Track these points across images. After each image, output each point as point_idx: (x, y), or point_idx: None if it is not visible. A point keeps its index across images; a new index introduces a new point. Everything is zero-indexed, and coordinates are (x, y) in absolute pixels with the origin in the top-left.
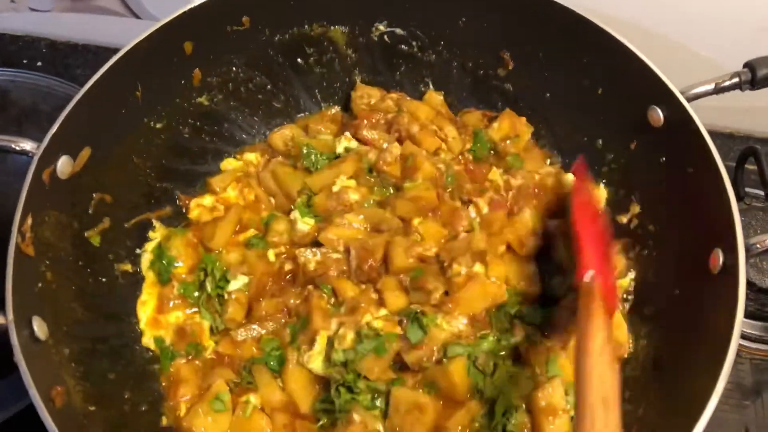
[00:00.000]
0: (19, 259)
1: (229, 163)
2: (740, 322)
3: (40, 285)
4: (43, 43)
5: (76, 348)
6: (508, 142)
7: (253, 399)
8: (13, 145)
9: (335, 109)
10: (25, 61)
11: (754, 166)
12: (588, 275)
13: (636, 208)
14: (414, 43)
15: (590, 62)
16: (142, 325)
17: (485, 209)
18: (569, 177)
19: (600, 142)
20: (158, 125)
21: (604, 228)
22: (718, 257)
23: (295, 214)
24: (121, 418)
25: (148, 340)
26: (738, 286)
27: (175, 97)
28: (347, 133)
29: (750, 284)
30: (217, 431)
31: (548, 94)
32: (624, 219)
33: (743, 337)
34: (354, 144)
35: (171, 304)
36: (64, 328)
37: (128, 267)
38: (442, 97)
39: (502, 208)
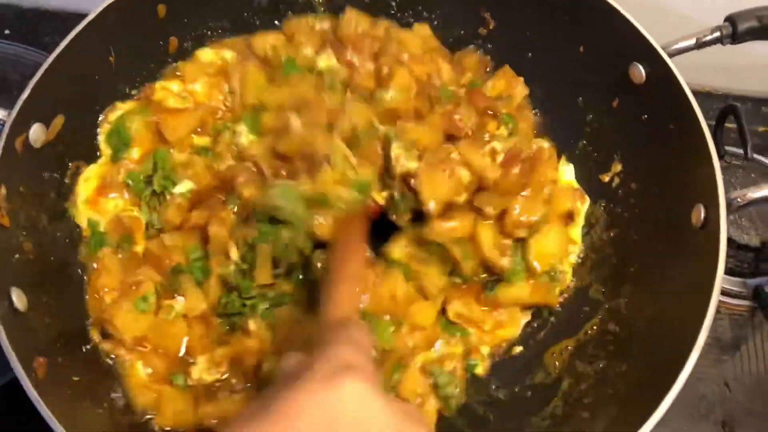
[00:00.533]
0: None
1: (204, 54)
2: (722, 273)
3: (17, 256)
4: (11, 11)
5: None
6: (499, 102)
7: (177, 305)
8: None
9: (325, 25)
10: None
11: (733, 124)
12: None
13: (618, 167)
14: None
15: (572, 20)
16: (80, 201)
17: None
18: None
19: (581, 100)
20: (133, 92)
21: None
22: (700, 212)
23: (241, 127)
24: None
25: (81, 220)
26: (719, 239)
27: (150, 62)
28: (330, 50)
29: (730, 241)
30: (137, 329)
31: (530, 54)
32: (606, 178)
33: (722, 293)
34: (335, 63)
35: (112, 190)
36: (44, 299)
37: None
38: (430, 31)
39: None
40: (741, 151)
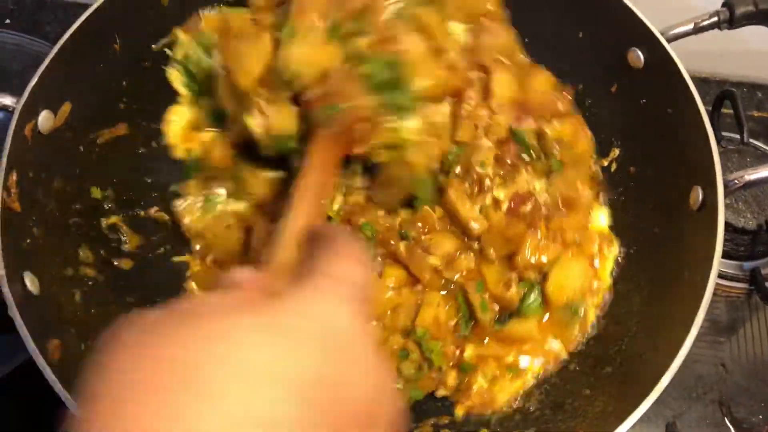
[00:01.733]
0: (6, 216)
1: None
2: (720, 254)
3: (28, 241)
4: (11, 0)
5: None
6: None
7: None
8: None
9: None
10: None
11: (730, 110)
12: None
13: (616, 152)
14: None
15: (570, 5)
16: (172, 138)
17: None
18: None
19: (581, 87)
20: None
21: None
22: (698, 194)
23: None
24: None
25: (179, 152)
26: (717, 220)
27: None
28: None
29: (726, 224)
30: None
31: (527, 39)
32: (605, 162)
33: (719, 276)
34: None
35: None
36: (57, 281)
37: (115, 220)
38: None
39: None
40: (737, 136)
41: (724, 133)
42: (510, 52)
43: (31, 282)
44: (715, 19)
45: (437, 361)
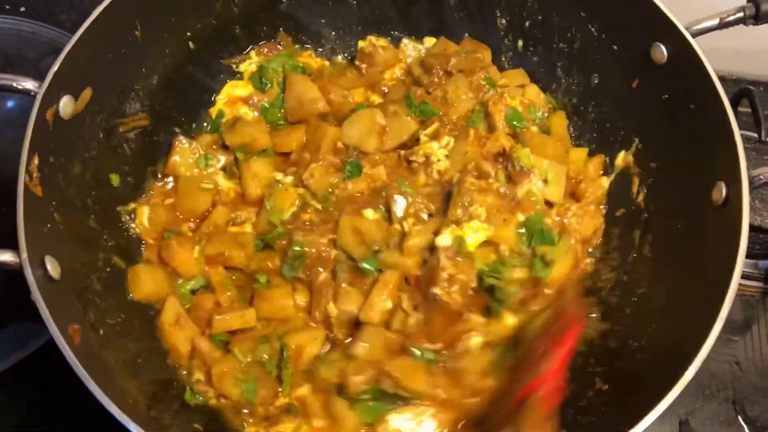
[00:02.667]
0: (29, 199)
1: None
2: (744, 249)
3: (49, 226)
4: None
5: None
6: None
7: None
8: (15, 84)
9: None
10: (8, 7)
11: (747, 108)
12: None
13: (637, 146)
14: None
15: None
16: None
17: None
18: None
19: (601, 81)
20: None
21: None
22: (721, 190)
23: None
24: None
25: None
26: (742, 215)
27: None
28: None
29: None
30: None
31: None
32: (620, 162)
33: None
34: None
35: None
36: (77, 266)
37: (132, 206)
38: None
39: None
40: (754, 135)
41: (741, 131)
42: None
43: (52, 266)
44: (741, 14)
45: None
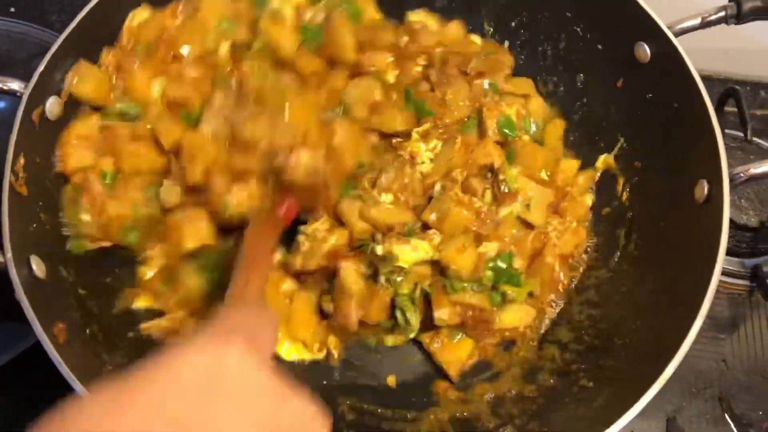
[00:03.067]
0: (14, 199)
1: None
2: (725, 245)
3: (35, 225)
4: None
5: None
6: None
7: None
8: (0, 85)
9: None
10: None
11: (733, 108)
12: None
13: (622, 145)
14: None
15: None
16: None
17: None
18: None
19: (585, 81)
20: None
21: None
22: (703, 188)
23: None
24: None
25: None
26: (722, 213)
27: None
28: None
29: (728, 221)
30: None
31: (534, 33)
32: (610, 160)
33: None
34: None
35: None
36: (61, 269)
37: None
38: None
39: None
40: (740, 134)
41: (727, 131)
42: None
43: (37, 265)
44: (723, 13)
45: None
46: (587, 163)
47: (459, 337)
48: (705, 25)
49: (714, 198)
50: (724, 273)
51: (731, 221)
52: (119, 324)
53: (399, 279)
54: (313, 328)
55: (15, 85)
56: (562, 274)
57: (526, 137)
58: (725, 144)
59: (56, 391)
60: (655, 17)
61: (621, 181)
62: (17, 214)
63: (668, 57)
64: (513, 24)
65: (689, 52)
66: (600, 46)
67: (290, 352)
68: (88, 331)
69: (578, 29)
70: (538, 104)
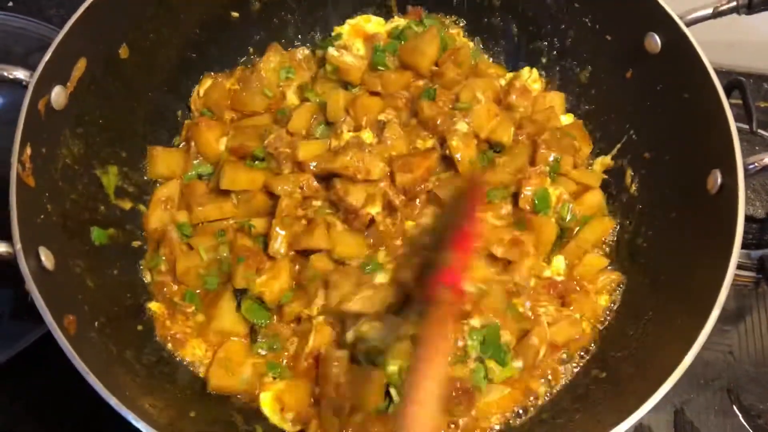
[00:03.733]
0: (21, 190)
1: None
2: (740, 236)
3: (42, 217)
4: None
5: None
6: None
7: None
8: (5, 73)
9: None
10: None
11: (737, 100)
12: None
13: (631, 137)
14: None
15: None
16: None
17: None
18: None
19: (594, 73)
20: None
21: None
22: (716, 178)
23: None
24: None
25: None
26: (737, 202)
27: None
28: None
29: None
30: None
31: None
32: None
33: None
34: None
35: None
36: (69, 261)
37: (126, 205)
38: None
39: None
40: (745, 126)
41: None
42: None
43: (46, 257)
44: (734, 3)
45: None
46: (601, 152)
47: None
48: (717, 14)
49: (727, 188)
50: None
51: None
52: (128, 317)
53: (374, 358)
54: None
55: (20, 73)
56: (551, 365)
57: (552, 219)
58: None
59: (60, 387)
60: (666, 7)
61: (629, 173)
62: (25, 206)
63: (680, 47)
64: (521, 12)
65: None
66: (609, 37)
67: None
68: (96, 323)
69: (587, 20)
70: (594, 200)
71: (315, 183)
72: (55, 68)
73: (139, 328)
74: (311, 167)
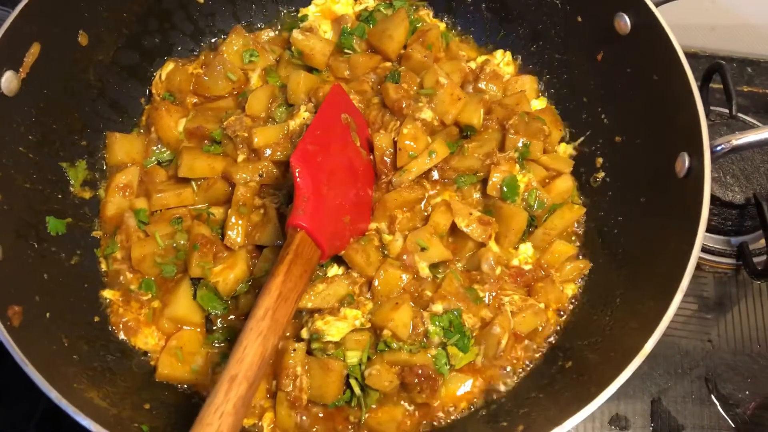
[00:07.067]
0: None
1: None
2: (706, 216)
3: None
4: None
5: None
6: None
7: None
8: None
9: None
10: None
11: (719, 84)
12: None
13: (602, 121)
14: None
15: None
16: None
17: None
18: None
19: (566, 57)
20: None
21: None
22: (684, 161)
23: None
24: None
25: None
26: (704, 183)
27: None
28: None
29: (713, 198)
30: None
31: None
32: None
33: (706, 251)
34: None
35: None
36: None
37: (87, 194)
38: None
39: None
40: (726, 111)
41: (713, 108)
42: None
43: None
44: None
45: None
46: (572, 137)
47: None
48: None
49: (695, 170)
50: (709, 251)
51: (716, 198)
52: (83, 308)
53: (331, 352)
54: (257, 399)
55: None
56: (515, 354)
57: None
58: (711, 120)
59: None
60: None
61: (600, 159)
62: None
63: (649, 28)
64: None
65: (676, 27)
66: (579, 18)
67: None
68: (48, 314)
69: (557, 1)
70: (565, 186)
71: (275, 170)
72: (6, 52)
73: (96, 319)
74: (266, 155)
